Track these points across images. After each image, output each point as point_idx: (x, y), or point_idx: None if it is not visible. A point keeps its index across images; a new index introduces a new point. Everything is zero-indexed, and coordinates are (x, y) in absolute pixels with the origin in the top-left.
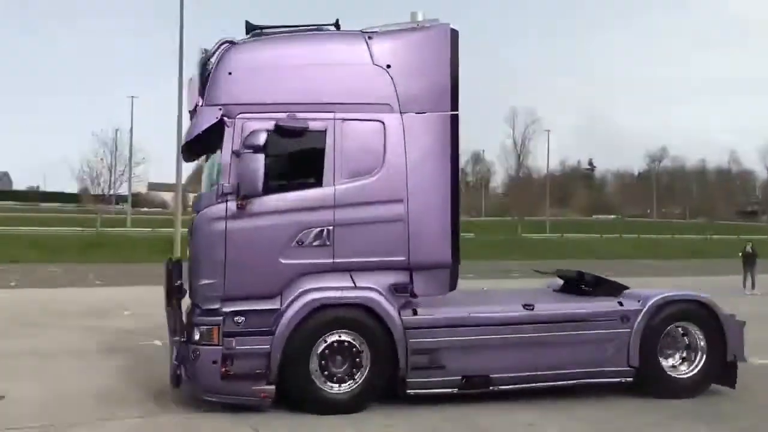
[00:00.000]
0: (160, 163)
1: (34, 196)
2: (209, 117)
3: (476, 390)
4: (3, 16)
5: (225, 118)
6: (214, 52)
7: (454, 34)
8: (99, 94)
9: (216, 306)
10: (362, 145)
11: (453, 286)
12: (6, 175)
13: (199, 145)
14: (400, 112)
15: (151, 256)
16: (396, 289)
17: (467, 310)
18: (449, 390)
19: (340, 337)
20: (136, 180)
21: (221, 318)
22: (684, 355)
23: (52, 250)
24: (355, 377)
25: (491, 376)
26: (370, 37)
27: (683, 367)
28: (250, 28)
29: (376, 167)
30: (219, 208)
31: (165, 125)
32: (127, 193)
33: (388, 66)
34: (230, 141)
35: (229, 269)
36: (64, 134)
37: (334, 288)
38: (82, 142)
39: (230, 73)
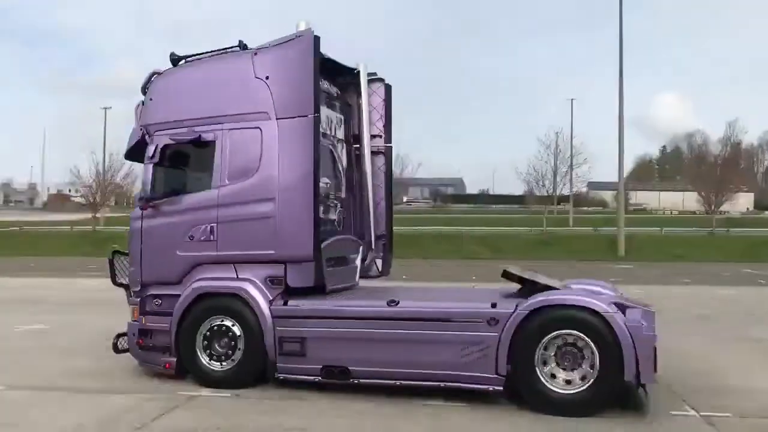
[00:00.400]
0: (599, 162)
1: (484, 198)
2: (135, 136)
3: (336, 381)
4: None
5: (146, 136)
6: (148, 81)
7: (317, 40)
8: (541, 96)
9: (138, 289)
10: (244, 151)
11: (317, 280)
12: (460, 181)
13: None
14: (276, 119)
15: (594, 254)
16: (271, 281)
17: (333, 303)
18: (311, 377)
19: (222, 321)
20: (578, 180)
21: (140, 299)
22: (586, 369)
23: (499, 248)
24: (232, 357)
25: (350, 368)
26: (255, 53)
27: (578, 383)
28: (175, 60)
29: (254, 170)
30: (137, 210)
31: (604, 124)
32: (568, 193)
33: (267, 77)
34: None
35: (143, 260)
36: (510, 139)
37: (214, 278)
38: (526, 145)
39: (151, 99)
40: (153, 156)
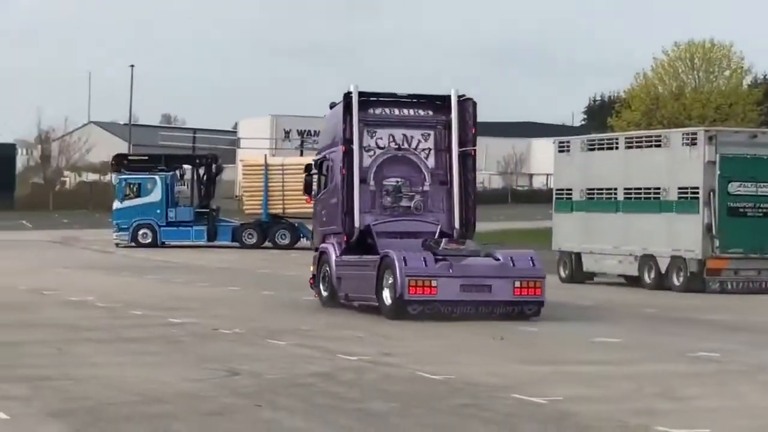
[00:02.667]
0: None
1: None
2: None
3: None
4: None
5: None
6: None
7: (348, 96)
8: None
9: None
10: (333, 167)
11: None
12: None
13: None
14: (340, 145)
15: None
16: (339, 244)
17: (350, 258)
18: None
19: (325, 266)
20: None
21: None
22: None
23: None
24: (327, 285)
25: (348, 294)
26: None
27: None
28: (331, 104)
29: (333, 178)
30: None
31: None
32: None
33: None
34: None
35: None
36: None
37: (323, 244)
38: None
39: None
40: (311, 169)
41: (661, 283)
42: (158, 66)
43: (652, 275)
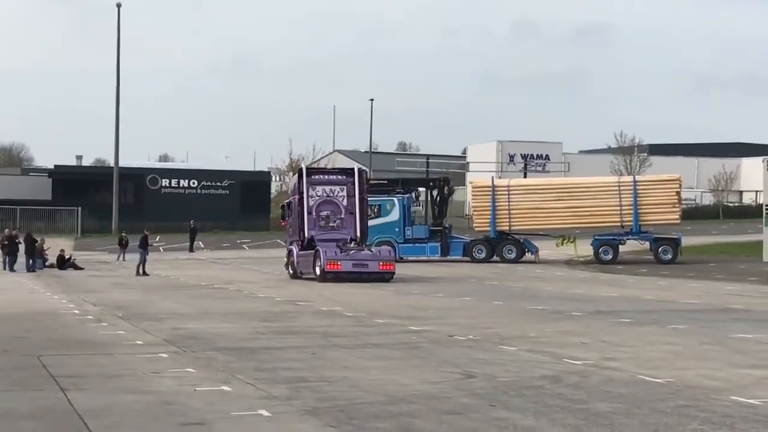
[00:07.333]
0: None
1: None
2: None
3: (300, 277)
4: None
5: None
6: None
7: (301, 171)
8: None
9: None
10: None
11: (304, 246)
12: None
13: None
14: (297, 195)
15: None
16: (299, 245)
17: (301, 252)
18: (299, 276)
19: (291, 257)
20: None
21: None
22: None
23: None
24: (293, 269)
25: (301, 271)
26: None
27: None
28: (300, 170)
29: (295, 208)
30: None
31: None
32: None
33: (296, 181)
34: None
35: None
36: None
37: (290, 246)
38: None
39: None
40: (284, 206)
41: None
42: (394, 98)
43: None
